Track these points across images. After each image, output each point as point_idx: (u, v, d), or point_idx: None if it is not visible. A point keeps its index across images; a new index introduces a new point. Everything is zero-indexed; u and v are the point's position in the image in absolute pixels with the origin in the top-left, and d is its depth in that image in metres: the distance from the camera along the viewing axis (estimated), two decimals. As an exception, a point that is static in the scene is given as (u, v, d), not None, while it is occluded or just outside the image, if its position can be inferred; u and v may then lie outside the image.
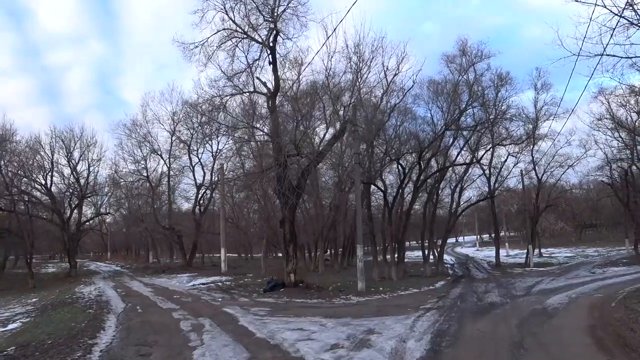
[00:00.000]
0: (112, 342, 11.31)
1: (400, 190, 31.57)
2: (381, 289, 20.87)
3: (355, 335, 10.41)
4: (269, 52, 21.64)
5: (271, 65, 21.89)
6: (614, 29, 11.31)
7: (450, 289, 21.45)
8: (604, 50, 11.87)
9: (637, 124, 36.94)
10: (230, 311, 15.54)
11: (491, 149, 33.61)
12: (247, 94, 23.40)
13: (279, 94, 22.69)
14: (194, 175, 47.30)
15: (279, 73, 22.00)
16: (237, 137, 23.85)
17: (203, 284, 27.91)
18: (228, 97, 22.36)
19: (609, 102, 37.05)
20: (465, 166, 34.96)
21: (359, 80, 24.32)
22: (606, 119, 37.22)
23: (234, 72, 21.06)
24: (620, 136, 38.27)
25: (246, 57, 21.78)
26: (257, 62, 21.42)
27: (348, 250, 43.74)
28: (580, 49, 11.97)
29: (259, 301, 18.60)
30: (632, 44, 11.94)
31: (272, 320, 13.34)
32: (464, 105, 28.17)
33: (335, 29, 16.89)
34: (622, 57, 12.25)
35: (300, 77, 23.12)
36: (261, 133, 22.34)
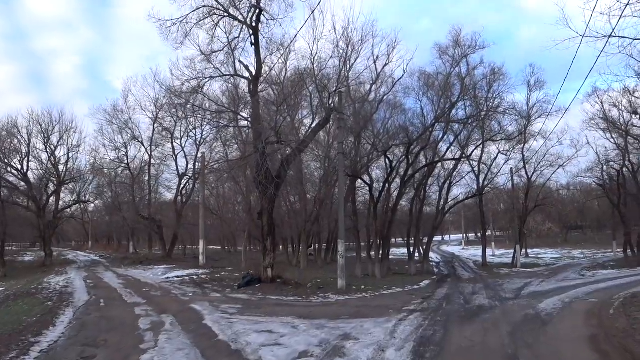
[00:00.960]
0: (57, 340, 10.16)
1: (387, 185, 30.48)
2: (363, 287, 19.73)
3: (329, 341, 9.23)
4: (251, 32, 20.34)
5: (253, 47, 20.62)
6: (626, 6, 10.18)
7: (435, 289, 20.35)
8: (613, 31, 10.77)
9: (629, 124, 36.25)
10: (197, 308, 14.35)
11: (481, 145, 32.59)
12: (228, 77, 22.12)
13: (261, 78, 21.42)
14: (176, 164, 45.87)
15: (261, 56, 20.74)
16: (217, 121, 22.47)
17: (178, 277, 26.65)
18: (207, 80, 21.05)
19: (602, 102, 36.41)
20: (454, 162, 33.95)
21: (347, 67, 23.23)
22: (600, 118, 36.47)
23: (212, 50, 19.69)
24: (612, 137, 37.58)
25: (227, 38, 20.46)
26: (237, 40, 20.08)
27: (332, 246, 42.59)
28: (587, 27, 10.85)
29: (231, 297, 17.41)
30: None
31: (241, 319, 12.15)
32: (455, 99, 27.08)
33: (319, 3, 15.56)
34: (632, 39, 11.15)
35: (285, 62, 21.93)
36: (242, 119, 20.98)
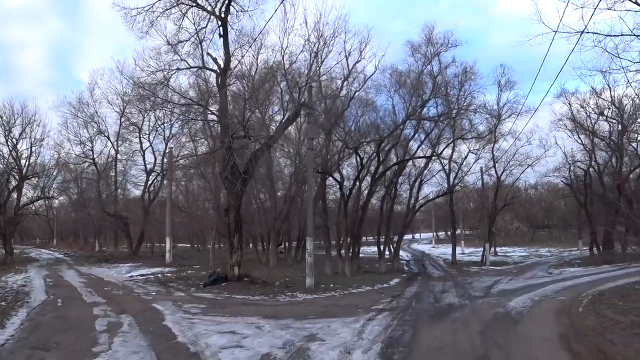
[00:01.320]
0: (4, 343, 9.51)
1: (358, 183, 30.19)
2: (332, 285, 19.36)
3: (294, 343, 8.81)
4: (219, 23, 19.73)
5: (222, 39, 20.02)
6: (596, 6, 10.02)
7: (405, 287, 20.13)
8: (585, 27, 10.61)
9: (595, 125, 36.83)
10: (159, 307, 13.77)
11: (452, 144, 32.56)
12: (196, 69, 21.48)
13: (230, 71, 20.85)
14: (144, 160, 44.58)
15: (230, 48, 20.17)
16: (185, 115, 21.79)
17: (142, 275, 25.88)
18: (174, 72, 20.36)
19: (569, 104, 36.89)
20: (425, 160, 33.91)
21: (318, 61, 22.79)
22: (567, 119, 36.96)
23: (179, 40, 19.02)
24: (579, 138, 38.12)
25: (195, 28, 19.80)
26: (205, 31, 19.44)
27: (302, 244, 42.15)
28: (560, 22, 10.66)
29: (195, 296, 16.86)
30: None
31: (203, 320, 11.64)
32: (427, 97, 26.92)
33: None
34: (604, 35, 11.02)
35: (254, 55, 21.35)
36: (209, 112, 20.35)
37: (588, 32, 10.98)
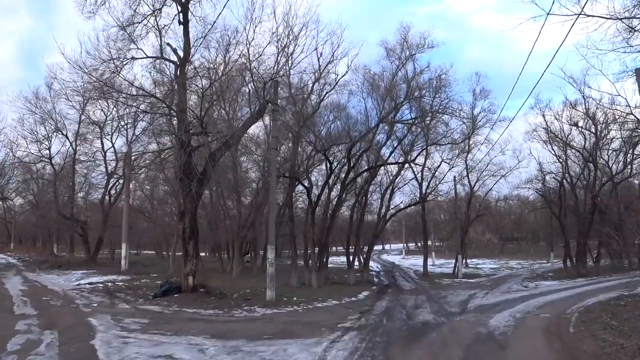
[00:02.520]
0: None
1: (328, 189, 28.66)
2: (295, 299, 17.72)
3: (239, 373, 7.18)
4: (180, 9, 18.06)
5: (182, 27, 18.34)
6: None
7: (375, 301, 18.60)
8: (582, 9, 9.37)
9: (570, 137, 36.26)
10: (94, 322, 11.94)
11: (425, 150, 31.32)
12: (154, 59, 19.70)
13: (190, 63, 19.15)
14: (105, 161, 42.03)
15: (191, 37, 18.51)
16: (137, 108, 19.92)
17: (91, 283, 23.74)
18: (129, 61, 18.55)
19: (543, 115, 36.28)
20: (397, 167, 32.68)
21: (286, 54, 21.20)
22: (542, 128, 36.32)
23: (131, 22, 17.25)
24: (552, 149, 37.49)
25: (153, 11, 18.05)
26: (161, 15, 17.73)
27: (275, 254, 40.35)
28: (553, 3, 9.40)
29: (141, 309, 15.03)
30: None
31: (139, 339, 9.92)
32: (400, 100, 25.54)
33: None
34: (605, 18, 9.80)
35: (217, 46, 19.70)
36: (165, 106, 18.53)
37: (584, 15, 9.73)
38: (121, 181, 41.72)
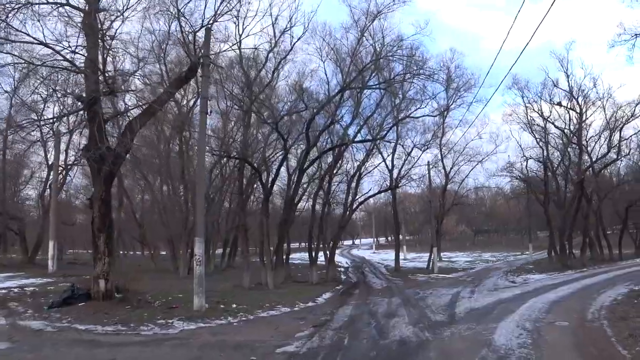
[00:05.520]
0: None
1: (287, 174, 24.74)
2: (235, 306, 13.71)
3: None
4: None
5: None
6: None
7: (337, 306, 14.61)
8: None
9: (550, 117, 33.29)
10: None
11: (396, 126, 27.48)
12: (57, 5, 15.38)
13: (105, 12, 14.93)
14: (45, 152, 36.84)
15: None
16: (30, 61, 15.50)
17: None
18: (22, 6, 14.18)
19: (522, 96, 33.32)
20: (365, 151, 29.03)
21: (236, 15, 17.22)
22: (525, 106, 33.31)
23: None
24: (532, 131, 34.42)
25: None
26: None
27: (231, 250, 36.38)
28: None
29: (19, 326, 11.02)
30: None
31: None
32: (368, 61, 21.50)
33: None
34: None
35: None
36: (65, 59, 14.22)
37: None
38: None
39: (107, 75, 12.99)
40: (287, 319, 12.08)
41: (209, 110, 14.36)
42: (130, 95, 14.61)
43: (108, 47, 13.33)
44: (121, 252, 57.27)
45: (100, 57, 14.17)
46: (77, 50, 14.25)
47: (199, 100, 18.15)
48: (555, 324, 10.25)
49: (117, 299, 14.50)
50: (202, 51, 14.62)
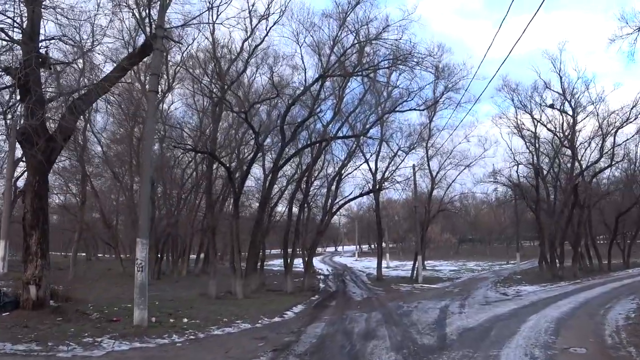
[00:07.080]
0: None
1: (263, 173, 22.67)
2: (185, 320, 11.61)
3: None
4: None
5: None
6: None
7: (307, 323, 12.43)
8: None
9: (541, 120, 31.76)
10: None
11: (381, 120, 25.59)
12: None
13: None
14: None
15: None
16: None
17: None
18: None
19: (512, 99, 31.76)
20: (347, 153, 27.16)
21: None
22: (515, 107, 31.79)
23: None
24: (522, 135, 32.84)
25: None
26: None
27: (206, 254, 34.00)
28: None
29: None
30: None
31: None
32: (348, 46, 19.38)
33: None
34: None
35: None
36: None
37: None
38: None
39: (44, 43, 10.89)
40: (245, 338, 9.98)
41: (158, 90, 12.33)
42: (80, 74, 12.40)
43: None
44: (92, 255, 55.06)
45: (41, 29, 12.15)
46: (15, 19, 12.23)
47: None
48: (570, 350, 8.33)
49: (50, 308, 12.37)
50: (154, 23, 12.62)
